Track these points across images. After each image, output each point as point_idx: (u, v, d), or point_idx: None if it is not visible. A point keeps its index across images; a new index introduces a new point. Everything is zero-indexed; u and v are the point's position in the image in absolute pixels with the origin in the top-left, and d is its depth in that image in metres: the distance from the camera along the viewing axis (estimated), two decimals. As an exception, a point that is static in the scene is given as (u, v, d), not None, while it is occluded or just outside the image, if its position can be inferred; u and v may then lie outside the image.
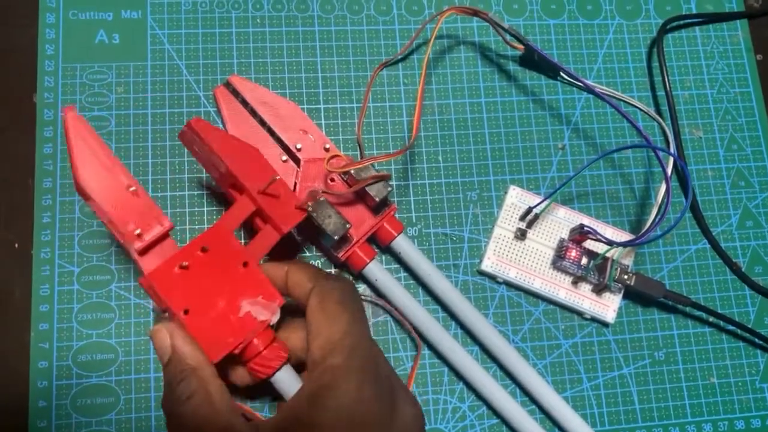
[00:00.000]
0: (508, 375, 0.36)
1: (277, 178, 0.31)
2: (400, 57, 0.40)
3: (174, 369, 0.27)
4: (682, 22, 0.42)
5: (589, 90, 0.38)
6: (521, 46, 0.38)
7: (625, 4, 0.42)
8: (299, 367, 0.31)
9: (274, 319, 0.29)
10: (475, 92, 0.40)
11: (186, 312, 0.28)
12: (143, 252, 0.28)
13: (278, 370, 0.29)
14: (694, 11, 0.43)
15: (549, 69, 0.40)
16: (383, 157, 0.34)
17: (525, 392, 0.36)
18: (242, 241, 0.36)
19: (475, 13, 0.37)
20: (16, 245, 0.35)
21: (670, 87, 0.40)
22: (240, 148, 0.31)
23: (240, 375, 0.31)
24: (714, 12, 0.43)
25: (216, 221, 0.30)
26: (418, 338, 0.36)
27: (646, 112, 0.39)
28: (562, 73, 0.40)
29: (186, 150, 0.37)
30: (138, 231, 0.28)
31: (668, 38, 0.42)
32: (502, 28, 0.37)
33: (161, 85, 0.38)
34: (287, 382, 0.30)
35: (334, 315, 0.28)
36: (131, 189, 0.29)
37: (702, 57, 0.42)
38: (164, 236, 0.29)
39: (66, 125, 0.27)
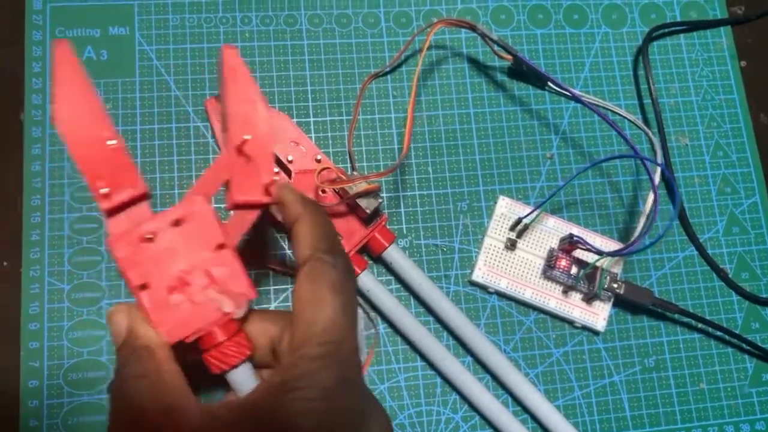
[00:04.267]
0: (500, 385, 0.36)
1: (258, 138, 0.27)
2: (388, 69, 0.40)
3: (127, 350, 0.24)
4: (666, 30, 0.43)
5: (577, 99, 0.39)
6: (510, 57, 0.38)
7: (611, 12, 0.43)
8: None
9: (240, 313, 0.26)
10: (464, 103, 0.40)
11: (143, 287, 0.25)
12: (111, 213, 0.26)
13: (237, 366, 0.26)
14: (679, 19, 0.43)
15: (537, 79, 0.40)
16: (374, 176, 0.34)
17: (517, 402, 0.36)
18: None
19: (465, 25, 0.37)
20: (5, 263, 0.35)
21: (655, 95, 0.40)
22: (251, 98, 0.28)
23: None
24: (698, 19, 0.43)
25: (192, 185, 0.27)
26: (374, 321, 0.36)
27: (632, 122, 0.39)
28: (549, 83, 0.40)
29: (176, 165, 0.37)
30: (106, 189, 0.25)
31: (653, 46, 0.43)
32: (492, 40, 0.37)
33: (150, 101, 0.38)
34: (244, 381, 0.26)
35: (324, 301, 0.25)
36: (110, 143, 0.25)
37: (687, 64, 0.43)
38: (137, 200, 0.26)
39: (55, 59, 0.25)
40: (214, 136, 0.37)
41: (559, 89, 0.40)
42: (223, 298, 0.26)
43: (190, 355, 0.26)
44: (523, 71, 0.40)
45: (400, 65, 0.40)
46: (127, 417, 0.23)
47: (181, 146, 0.37)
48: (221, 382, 0.26)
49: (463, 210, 0.39)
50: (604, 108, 0.41)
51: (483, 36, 0.38)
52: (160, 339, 0.25)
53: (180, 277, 0.26)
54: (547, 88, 0.41)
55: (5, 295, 0.34)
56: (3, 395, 0.33)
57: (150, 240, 0.26)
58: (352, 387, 0.24)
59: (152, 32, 0.39)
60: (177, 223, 0.26)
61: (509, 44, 0.38)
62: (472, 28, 0.38)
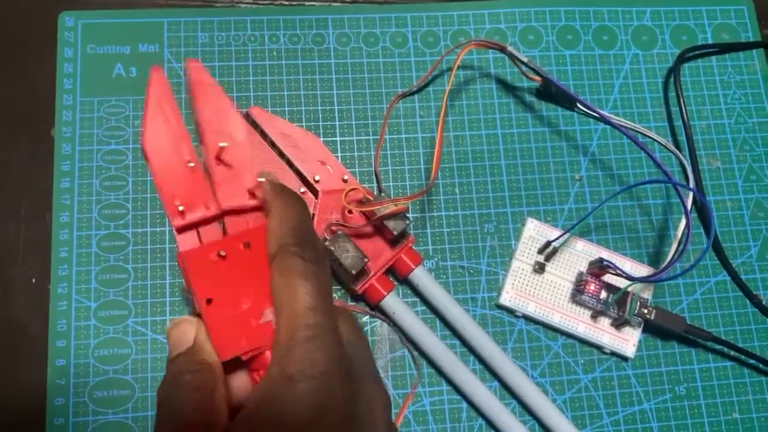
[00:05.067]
0: (527, 411, 0.36)
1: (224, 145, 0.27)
2: (415, 89, 0.40)
3: (188, 360, 0.25)
4: (698, 52, 0.42)
5: (606, 121, 0.38)
6: (539, 78, 0.38)
7: (641, 34, 0.42)
8: None
9: None
10: (491, 124, 0.40)
11: (209, 302, 0.27)
12: (182, 230, 0.27)
13: None
14: (710, 41, 0.43)
15: (566, 100, 0.40)
16: (403, 199, 0.34)
17: (545, 428, 0.35)
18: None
19: (494, 46, 0.37)
20: (33, 280, 0.35)
21: (687, 117, 0.40)
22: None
23: (237, 384, 0.29)
24: (730, 41, 0.43)
25: None
26: (418, 371, 0.35)
27: (663, 145, 0.38)
28: (579, 104, 0.40)
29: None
30: (181, 208, 0.27)
31: (684, 68, 0.42)
32: (521, 61, 0.37)
33: (178, 119, 0.38)
34: None
35: (297, 290, 0.24)
36: (190, 164, 0.27)
37: (719, 86, 0.42)
38: (209, 221, 0.27)
39: (149, 84, 0.27)
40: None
41: (588, 111, 0.40)
42: None
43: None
44: (551, 93, 0.40)
45: (427, 85, 0.40)
46: (172, 422, 0.23)
47: (208, 164, 0.37)
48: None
49: (491, 231, 0.38)
50: (633, 130, 0.40)
51: (512, 57, 0.37)
52: (217, 359, 0.25)
53: (244, 298, 0.27)
54: (576, 109, 0.40)
55: (33, 312, 0.34)
56: (30, 412, 0.33)
57: (222, 257, 0.27)
58: (344, 363, 0.24)
59: (181, 49, 0.39)
60: (247, 245, 0.27)
61: (538, 66, 0.38)
62: (502, 49, 0.37)
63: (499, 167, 0.39)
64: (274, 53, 0.39)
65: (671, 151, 0.39)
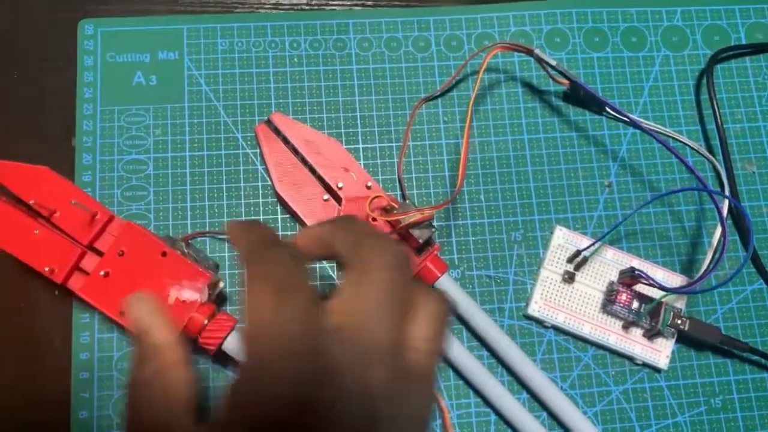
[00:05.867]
0: (558, 423, 0.35)
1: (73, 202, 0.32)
2: (438, 93, 0.39)
3: (138, 348, 0.25)
4: (731, 53, 0.41)
5: (636, 125, 0.37)
6: (566, 82, 0.37)
7: (671, 35, 0.41)
8: None
9: (203, 296, 0.31)
10: (518, 129, 0.39)
11: (123, 313, 0.30)
12: (66, 279, 0.32)
13: (225, 338, 0.31)
14: (744, 41, 0.41)
15: (594, 104, 0.39)
16: (428, 208, 0.33)
17: (576, 443, 0.35)
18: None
19: (521, 49, 0.36)
20: (56, 292, 0.34)
21: (721, 120, 0.39)
22: None
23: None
24: (764, 41, 0.41)
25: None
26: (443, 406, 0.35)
27: (696, 150, 0.37)
28: (607, 108, 0.39)
29: (225, 193, 0.36)
30: (47, 268, 0.31)
31: (717, 69, 0.41)
32: (548, 65, 0.36)
33: (199, 127, 0.37)
34: (239, 347, 0.29)
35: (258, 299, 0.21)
36: (35, 232, 0.31)
37: (753, 88, 0.41)
38: (80, 258, 0.32)
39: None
40: (263, 162, 0.36)
41: (617, 114, 0.39)
42: (183, 291, 0.31)
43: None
44: (579, 96, 0.39)
45: (450, 89, 0.39)
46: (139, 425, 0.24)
47: (230, 173, 0.37)
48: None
49: (518, 240, 0.37)
50: (664, 134, 0.39)
51: (539, 60, 0.36)
52: (171, 337, 0.26)
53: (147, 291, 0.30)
54: (604, 113, 0.39)
55: (57, 325, 0.34)
56: (55, 427, 0.33)
57: (107, 275, 0.31)
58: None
59: (201, 57, 0.38)
60: (122, 253, 0.31)
61: (566, 68, 0.36)
62: (528, 52, 0.36)
63: (525, 173, 0.38)
64: (295, 59, 0.39)
65: (704, 156, 0.38)
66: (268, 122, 0.36)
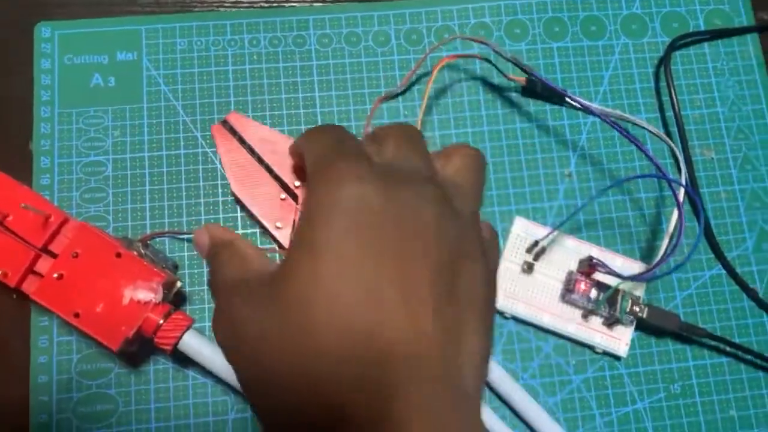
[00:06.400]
0: (518, 417, 0.35)
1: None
2: (399, 91, 0.39)
3: (214, 247, 0.25)
4: (690, 39, 0.41)
5: (595, 114, 0.37)
6: (522, 79, 0.37)
7: (630, 23, 0.41)
8: None
9: (158, 297, 0.31)
10: (477, 121, 0.39)
11: (77, 315, 0.31)
12: (20, 282, 0.32)
13: (181, 337, 0.32)
14: (702, 28, 0.41)
15: (553, 97, 0.39)
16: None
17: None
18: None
19: (476, 57, 0.36)
20: (14, 296, 0.35)
21: (678, 107, 0.39)
22: None
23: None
24: (723, 27, 0.41)
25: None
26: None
27: (655, 134, 0.37)
28: (567, 99, 0.39)
29: (185, 192, 0.37)
30: (1, 272, 0.32)
31: (676, 56, 0.41)
32: (504, 57, 0.36)
33: (158, 127, 0.37)
34: (195, 345, 0.32)
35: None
36: None
37: (712, 74, 0.41)
38: (34, 262, 0.32)
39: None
40: (221, 162, 0.36)
41: (577, 105, 0.39)
42: (138, 292, 0.31)
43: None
44: (536, 90, 0.39)
45: (411, 84, 0.39)
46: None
47: (189, 173, 0.37)
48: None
49: (478, 232, 0.37)
50: (624, 120, 0.39)
51: (497, 53, 0.36)
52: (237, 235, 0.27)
53: (101, 292, 0.31)
54: (565, 104, 0.39)
55: (15, 329, 0.34)
56: (14, 430, 0.33)
57: (61, 277, 0.31)
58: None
59: (160, 57, 0.38)
60: (76, 255, 0.32)
61: (520, 60, 0.37)
62: (485, 59, 0.36)
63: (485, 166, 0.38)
64: (255, 57, 0.39)
65: (664, 141, 0.38)
66: (225, 122, 0.36)
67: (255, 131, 0.36)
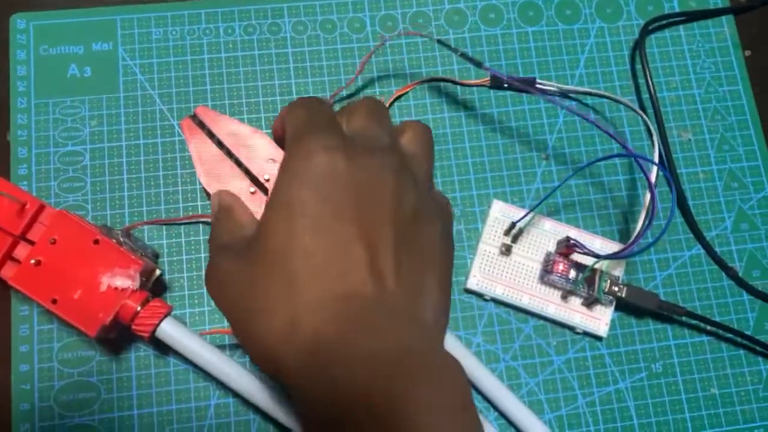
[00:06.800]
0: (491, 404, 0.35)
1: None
2: (353, 91, 0.39)
3: (217, 212, 0.30)
4: (665, 22, 0.41)
5: (556, 103, 0.37)
6: (487, 80, 0.37)
7: (605, 6, 0.41)
8: None
9: (135, 284, 0.31)
10: (455, 106, 0.39)
11: (54, 301, 0.31)
12: None
13: (158, 325, 0.32)
14: (677, 9, 0.42)
15: (524, 86, 0.39)
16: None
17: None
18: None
19: (425, 37, 0.36)
20: (-6, 287, 0.35)
21: (654, 89, 0.39)
22: None
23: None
24: (698, 9, 0.42)
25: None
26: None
27: (629, 106, 0.37)
28: (537, 86, 0.39)
29: (162, 180, 0.37)
30: None
31: (651, 39, 0.41)
32: (451, 49, 0.36)
33: (134, 116, 0.37)
34: (173, 333, 0.32)
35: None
36: None
37: (687, 56, 0.41)
38: (12, 248, 0.32)
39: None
40: (191, 157, 0.36)
41: (545, 91, 0.39)
42: (115, 279, 0.31)
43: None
44: (503, 86, 0.39)
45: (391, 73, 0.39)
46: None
47: (166, 161, 0.37)
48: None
49: (457, 216, 0.38)
50: (599, 96, 0.39)
51: (441, 43, 0.37)
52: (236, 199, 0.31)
53: (78, 279, 0.31)
54: (534, 92, 0.40)
55: (-6, 318, 0.34)
56: (-7, 419, 0.33)
57: (39, 263, 0.31)
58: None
59: (135, 46, 0.38)
60: (54, 241, 0.32)
61: (475, 59, 0.37)
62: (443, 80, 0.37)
63: (463, 150, 0.39)
64: (230, 45, 0.39)
65: (636, 112, 0.37)
66: (194, 117, 0.36)
67: (224, 125, 0.36)
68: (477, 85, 0.38)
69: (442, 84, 0.39)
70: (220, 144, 0.36)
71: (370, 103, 0.27)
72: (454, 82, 0.39)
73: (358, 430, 0.20)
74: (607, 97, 0.37)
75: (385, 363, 0.21)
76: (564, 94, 0.39)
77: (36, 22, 0.38)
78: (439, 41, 0.36)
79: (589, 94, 0.39)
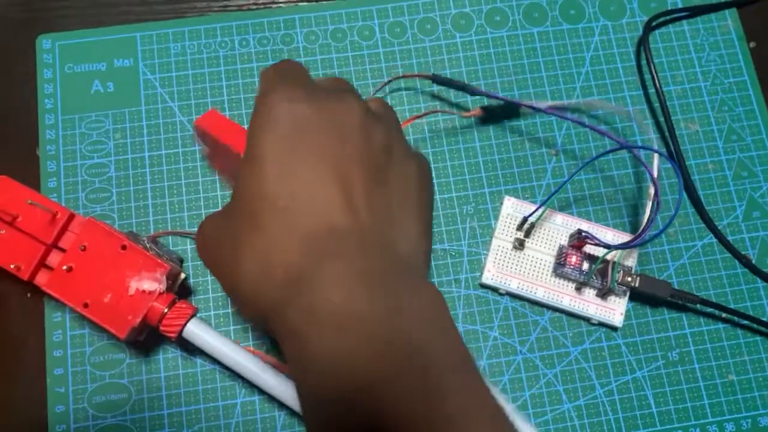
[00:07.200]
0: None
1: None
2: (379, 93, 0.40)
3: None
4: (668, 18, 0.42)
5: (545, 111, 0.38)
6: (477, 111, 0.39)
7: (609, 4, 0.42)
8: None
9: (162, 286, 0.33)
10: (465, 106, 0.40)
11: (86, 305, 0.32)
12: (33, 275, 0.34)
13: (185, 325, 0.33)
14: (680, 5, 0.42)
15: (511, 114, 0.40)
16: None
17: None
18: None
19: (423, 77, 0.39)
20: (29, 295, 0.36)
21: (660, 84, 0.40)
22: None
23: None
24: (701, 4, 0.42)
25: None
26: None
27: (627, 113, 0.38)
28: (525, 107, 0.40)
29: (185, 189, 0.38)
30: (13, 266, 0.33)
31: (655, 35, 0.42)
32: (451, 85, 0.38)
33: (156, 128, 0.39)
34: (200, 333, 0.33)
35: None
36: (1, 232, 0.33)
37: (692, 50, 0.42)
38: (45, 255, 0.33)
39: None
40: (216, 148, 0.37)
41: (532, 110, 0.40)
42: (143, 282, 0.32)
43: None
44: (496, 113, 0.40)
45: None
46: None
47: (188, 170, 0.38)
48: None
49: (470, 213, 0.39)
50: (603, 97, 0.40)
51: (438, 82, 0.39)
52: None
53: (108, 283, 0.33)
54: (520, 115, 0.40)
55: (30, 326, 0.36)
56: (32, 422, 0.34)
57: (71, 270, 0.33)
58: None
59: (155, 61, 0.40)
60: (83, 248, 0.33)
61: (467, 83, 0.38)
62: (431, 79, 0.39)
63: (474, 149, 0.39)
64: (245, 57, 0.40)
65: (648, 112, 0.39)
66: (204, 119, 0.36)
67: (231, 128, 0.36)
68: (470, 116, 0.40)
69: (453, 91, 0.40)
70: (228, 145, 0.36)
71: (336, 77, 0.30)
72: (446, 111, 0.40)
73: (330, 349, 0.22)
74: (606, 108, 0.38)
75: (358, 285, 0.22)
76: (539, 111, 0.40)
77: (61, 42, 0.40)
78: (434, 79, 0.38)
79: (588, 106, 0.40)
